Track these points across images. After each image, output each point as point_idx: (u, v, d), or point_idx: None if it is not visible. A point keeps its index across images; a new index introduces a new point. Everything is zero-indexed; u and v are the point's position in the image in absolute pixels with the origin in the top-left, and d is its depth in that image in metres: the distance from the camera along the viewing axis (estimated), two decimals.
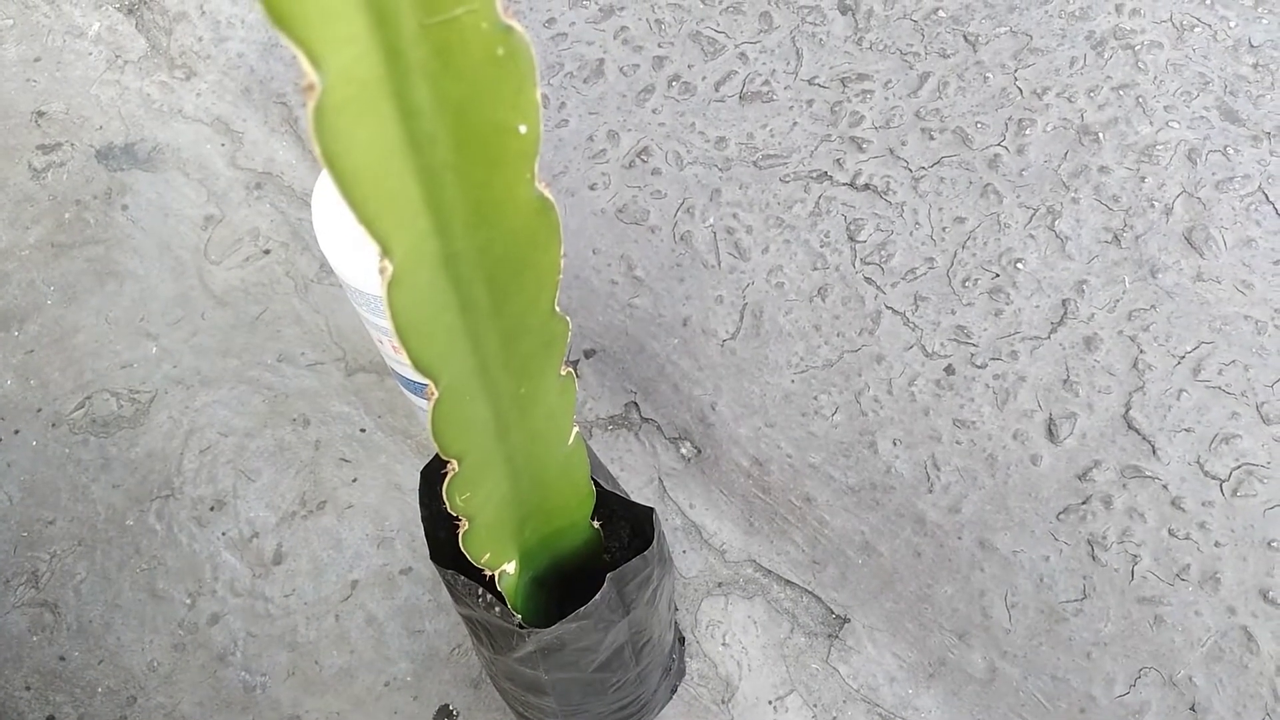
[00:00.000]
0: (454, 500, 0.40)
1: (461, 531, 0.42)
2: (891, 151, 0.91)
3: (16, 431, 0.86)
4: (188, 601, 0.78)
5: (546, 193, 0.31)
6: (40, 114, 1.02)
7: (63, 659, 0.77)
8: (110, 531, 0.81)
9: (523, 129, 0.28)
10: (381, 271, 0.28)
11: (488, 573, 0.47)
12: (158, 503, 0.82)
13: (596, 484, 0.52)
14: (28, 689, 0.76)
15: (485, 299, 0.33)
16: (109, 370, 0.88)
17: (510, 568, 0.49)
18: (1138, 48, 0.94)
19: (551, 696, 0.57)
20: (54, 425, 0.86)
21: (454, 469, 0.38)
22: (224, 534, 0.81)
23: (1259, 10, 0.95)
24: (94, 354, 0.89)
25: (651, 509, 0.53)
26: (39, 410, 0.86)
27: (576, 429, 0.45)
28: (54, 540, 0.81)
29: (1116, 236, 0.86)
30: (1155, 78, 0.92)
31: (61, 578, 0.80)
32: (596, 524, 0.53)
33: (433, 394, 0.33)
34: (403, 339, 0.30)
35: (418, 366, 0.32)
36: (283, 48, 1.03)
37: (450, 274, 0.31)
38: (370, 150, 0.25)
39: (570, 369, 0.41)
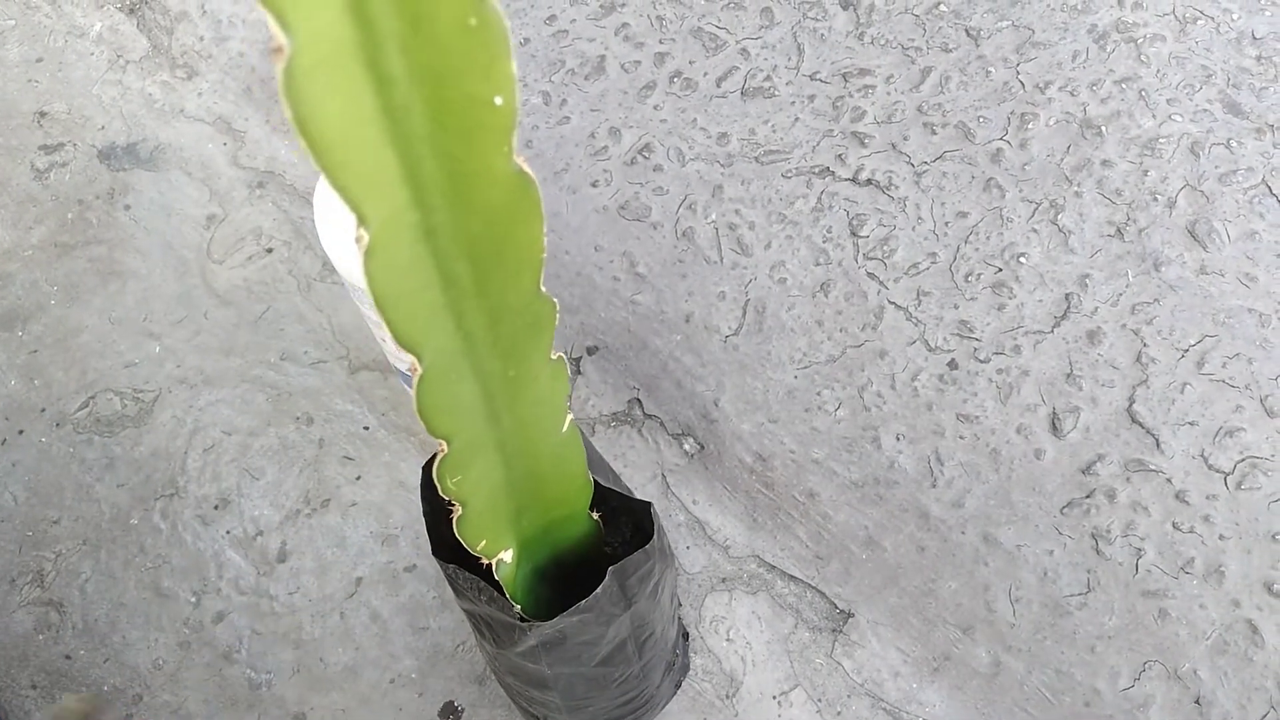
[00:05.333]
0: (445, 483, 0.40)
1: (455, 517, 0.42)
2: (893, 146, 0.91)
3: (21, 431, 0.86)
4: (193, 600, 0.79)
5: (526, 168, 0.30)
6: (42, 114, 1.02)
7: (68, 658, 0.77)
8: (115, 530, 0.81)
9: (498, 101, 0.28)
10: (358, 240, 0.27)
11: (484, 561, 0.47)
12: (162, 501, 0.82)
13: (595, 482, 0.52)
14: (34, 688, 0.76)
15: (468, 275, 0.33)
16: (113, 370, 0.88)
17: (507, 556, 0.49)
18: (1140, 41, 0.93)
19: (555, 691, 0.57)
20: (58, 425, 0.86)
21: (443, 450, 0.38)
22: (228, 532, 0.81)
23: (1262, 2, 0.94)
24: (98, 354, 0.89)
25: (649, 503, 0.53)
26: (43, 410, 0.87)
27: (571, 417, 0.45)
28: (59, 539, 0.81)
29: (1119, 230, 0.85)
30: (1158, 71, 0.92)
31: (67, 577, 0.80)
32: (595, 516, 0.53)
33: (416, 370, 0.33)
34: (382, 311, 0.30)
35: (399, 340, 0.32)
36: None
37: (431, 248, 0.31)
38: (343, 117, 0.25)
39: (562, 355, 0.40)
